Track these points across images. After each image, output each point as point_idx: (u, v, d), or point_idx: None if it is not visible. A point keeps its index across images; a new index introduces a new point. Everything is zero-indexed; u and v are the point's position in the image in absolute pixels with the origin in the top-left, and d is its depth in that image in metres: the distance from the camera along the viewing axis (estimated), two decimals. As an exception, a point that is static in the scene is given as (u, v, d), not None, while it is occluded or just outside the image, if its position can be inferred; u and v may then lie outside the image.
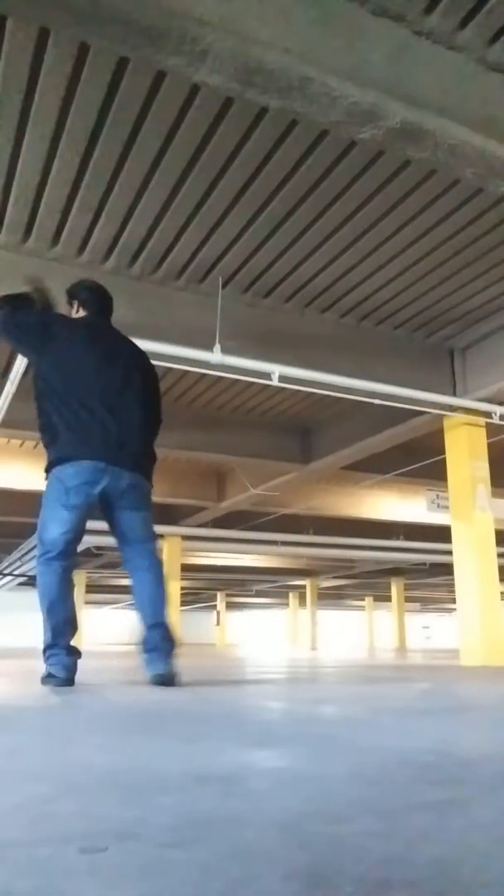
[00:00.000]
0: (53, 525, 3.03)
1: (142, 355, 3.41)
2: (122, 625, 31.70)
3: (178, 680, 2.96)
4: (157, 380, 3.46)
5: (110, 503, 3.15)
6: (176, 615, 13.13)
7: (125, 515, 3.19)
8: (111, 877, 0.62)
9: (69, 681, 2.98)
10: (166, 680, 2.93)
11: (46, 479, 3.12)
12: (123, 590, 24.37)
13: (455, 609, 7.35)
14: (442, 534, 8.12)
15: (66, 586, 3.09)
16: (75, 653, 3.07)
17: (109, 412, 3.10)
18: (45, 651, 3.03)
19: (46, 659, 3.02)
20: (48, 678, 2.98)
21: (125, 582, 21.86)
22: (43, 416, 3.12)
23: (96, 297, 3.44)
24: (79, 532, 3.12)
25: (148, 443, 3.29)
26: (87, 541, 12.60)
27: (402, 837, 0.74)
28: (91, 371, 3.13)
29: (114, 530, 3.25)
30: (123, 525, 3.20)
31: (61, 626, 3.03)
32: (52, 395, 3.08)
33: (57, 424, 3.06)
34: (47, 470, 3.11)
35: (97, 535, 12.80)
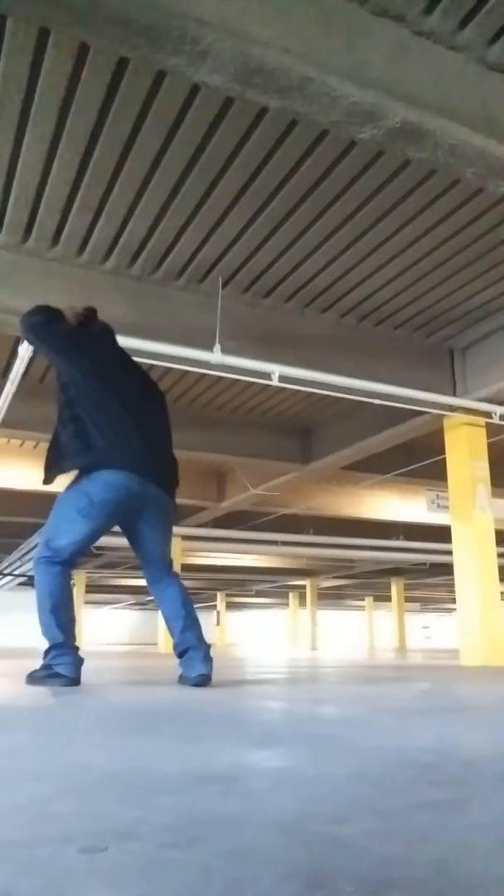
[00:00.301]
0: (66, 534, 3.04)
1: (146, 371, 3.59)
2: (122, 625, 31.75)
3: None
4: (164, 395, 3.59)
5: (136, 518, 3.18)
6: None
7: (152, 534, 3.24)
8: (111, 877, 0.62)
9: (77, 680, 2.98)
10: (207, 680, 3.00)
11: (73, 483, 3.12)
12: (123, 590, 24.40)
13: (455, 609, 7.34)
14: (442, 534, 8.12)
15: (69, 587, 3.12)
16: (78, 653, 3.08)
17: (139, 424, 3.15)
18: (50, 650, 3.03)
19: (52, 658, 3.02)
20: (54, 677, 2.98)
21: (125, 582, 21.97)
22: (75, 423, 3.10)
23: (95, 316, 3.51)
24: (89, 545, 3.14)
25: (174, 460, 3.37)
26: (87, 541, 12.46)
27: (402, 837, 0.74)
28: (118, 382, 3.21)
29: (136, 546, 3.28)
30: (149, 543, 3.25)
31: (68, 626, 3.04)
32: (85, 403, 3.10)
33: (91, 432, 3.07)
34: (74, 474, 3.15)
35: (97, 535, 12.61)
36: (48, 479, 3.16)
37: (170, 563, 3.31)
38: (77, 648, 3.07)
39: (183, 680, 3.06)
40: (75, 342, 3.21)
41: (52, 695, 2.66)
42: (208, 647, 3.11)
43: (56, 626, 3.02)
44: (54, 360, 3.32)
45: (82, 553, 3.13)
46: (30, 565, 17.34)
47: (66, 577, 3.08)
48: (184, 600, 3.18)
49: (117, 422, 3.09)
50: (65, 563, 3.04)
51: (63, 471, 3.16)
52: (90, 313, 3.42)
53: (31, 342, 3.37)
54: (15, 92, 3.40)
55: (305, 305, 5.58)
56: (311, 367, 5.41)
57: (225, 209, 4.34)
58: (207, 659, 3.06)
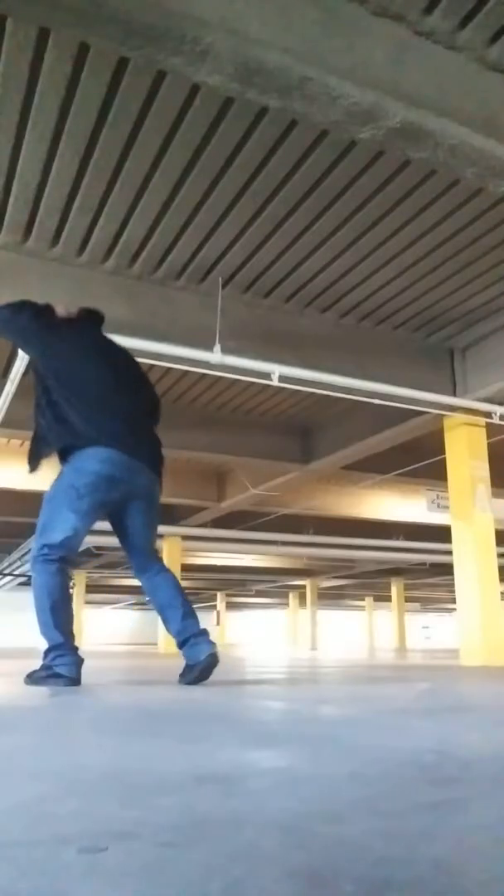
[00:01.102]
0: (59, 529, 3.00)
1: (125, 350, 3.51)
2: (122, 625, 31.74)
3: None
4: (142, 369, 3.52)
5: (124, 501, 3.15)
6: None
7: (140, 518, 3.21)
8: (111, 877, 0.62)
9: (78, 680, 2.98)
10: (216, 659, 3.01)
11: (57, 477, 3.11)
12: (123, 590, 24.38)
13: (455, 609, 7.34)
14: (442, 534, 8.12)
15: (67, 586, 3.10)
16: (79, 653, 3.07)
17: (120, 409, 3.15)
18: (49, 651, 3.02)
19: (52, 659, 3.01)
20: (55, 678, 2.97)
21: (125, 582, 21.95)
22: (53, 408, 3.11)
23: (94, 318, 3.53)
24: (84, 535, 3.12)
25: (158, 442, 3.33)
26: (88, 541, 12.55)
27: (402, 837, 0.74)
28: (101, 369, 3.20)
29: (123, 533, 3.25)
30: (136, 529, 3.22)
31: (67, 626, 3.03)
32: (62, 389, 3.10)
33: (69, 414, 3.07)
34: (63, 459, 3.13)
35: (97, 534, 12.72)
36: (33, 468, 3.23)
37: (156, 551, 3.30)
38: (76, 648, 3.06)
39: (188, 671, 3.03)
40: (52, 329, 3.21)
41: (52, 695, 2.66)
42: (207, 632, 3.12)
43: (55, 627, 3.00)
44: (26, 349, 3.38)
45: (78, 546, 3.10)
46: (29, 565, 17.23)
47: (63, 576, 3.05)
48: (177, 586, 3.17)
49: (97, 404, 3.10)
50: (62, 560, 3.01)
51: (45, 455, 3.19)
52: (85, 314, 3.41)
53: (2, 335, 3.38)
54: (15, 92, 3.40)
55: (305, 305, 5.58)
56: (311, 367, 5.41)
57: (225, 209, 4.34)
58: (211, 642, 3.06)
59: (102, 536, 11.20)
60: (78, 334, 3.28)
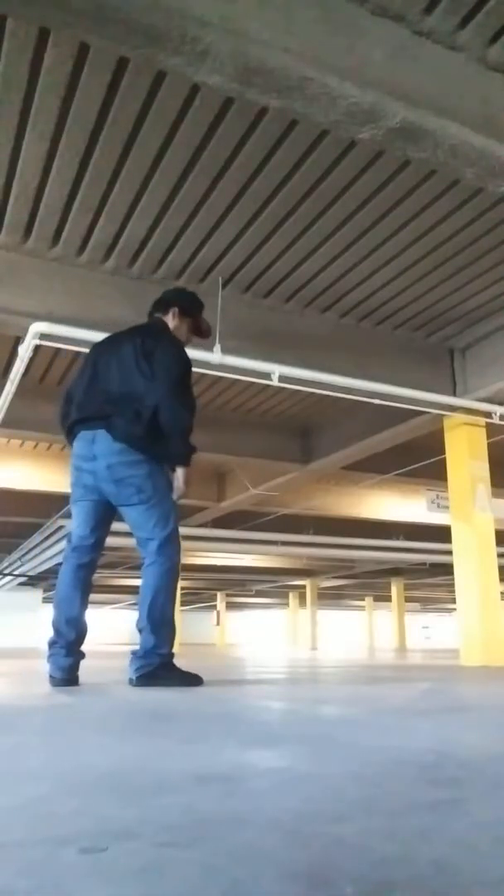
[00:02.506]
0: (73, 520, 3.18)
1: (145, 343, 3.22)
2: (123, 625, 31.73)
3: (144, 682, 2.94)
4: (154, 353, 3.17)
5: (105, 492, 3.15)
6: (177, 615, 13.08)
7: (123, 511, 3.15)
8: (111, 877, 0.62)
9: (64, 681, 2.97)
10: (135, 682, 2.97)
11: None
12: (123, 590, 24.37)
13: (455, 609, 7.34)
14: (442, 534, 8.12)
15: (74, 583, 3.07)
16: (77, 654, 3.06)
17: (92, 381, 3.22)
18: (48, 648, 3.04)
19: (47, 658, 3.03)
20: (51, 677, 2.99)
21: (125, 582, 21.96)
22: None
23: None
24: (84, 526, 3.11)
25: (130, 398, 3.08)
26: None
27: (402, 837, 0.74)
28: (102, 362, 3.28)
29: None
30: (126, 521, 3.18)
31: (62, 625, 3.02)
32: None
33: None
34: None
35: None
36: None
37: (148, 540, 3.06)
38: (73, 649, 3.04)
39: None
40: None
41: (52, 695, 2.66)
42: (145, 652, 3.00)
43: (53, 623, 3.03)
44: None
45: (84, 536, 3.12)
46: (30, 565, 17.32)
47: (68, 567, 3.08)
48: (147, 586, 3.03)
49: (81, 392, 3.21)
50: (73, 551, 3.10)
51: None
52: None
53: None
54: (15, 92, 3.40)
55: (305, 305, 5.58)
56: (311, 367, 5.41)
57: (225, 209, 4.34)
58: (139, 662, 3.00)
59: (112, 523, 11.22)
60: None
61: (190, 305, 3.56)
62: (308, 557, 16.23)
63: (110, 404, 3.09)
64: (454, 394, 6.16)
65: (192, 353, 4.91)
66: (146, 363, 3.12)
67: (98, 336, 4.69)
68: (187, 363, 3.19)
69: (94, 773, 1.11)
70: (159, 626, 3.00)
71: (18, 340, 5.07)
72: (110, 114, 3.54)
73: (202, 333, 3.65)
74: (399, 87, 2.82)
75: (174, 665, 3.04)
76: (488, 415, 6.20)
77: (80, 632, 3.05)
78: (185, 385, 3.13)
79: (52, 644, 3.02)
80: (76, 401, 3.22)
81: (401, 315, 5.76)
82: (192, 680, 3.02)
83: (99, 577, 20.42)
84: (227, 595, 27.21)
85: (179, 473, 3.15)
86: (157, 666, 2.98)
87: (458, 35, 2.93)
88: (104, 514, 3.17)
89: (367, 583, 22.91)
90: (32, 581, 20.38)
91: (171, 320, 3.48)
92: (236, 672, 4.60)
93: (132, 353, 3.16)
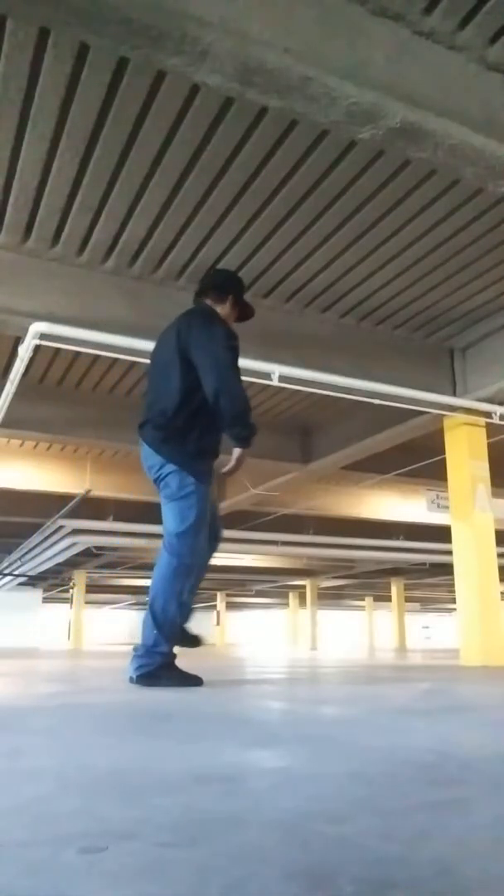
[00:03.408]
0: None
1: (180, 333, 3.19)
2: (123, 624, 31.74)
3: (144, 682, 2.95)
4: (188, 349, 3.12)
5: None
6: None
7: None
8: (111, 877, 0.62)
9: (135, 678, 2.98)
10: (134, 681, 2.96)
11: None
12: (123, 590, 24.39)
13: (455, 609, 7.34)
14: (442, 534, 8.12)
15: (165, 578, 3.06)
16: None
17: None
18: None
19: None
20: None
21: (125, 582, 21.95)
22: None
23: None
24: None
25: (163, 403, 3.13)
26: (87, 540, 12.51)
27: (402, 837, 0.74)
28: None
29: None
30: None
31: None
32: None
33: None
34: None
35: (96, 535, 12.69)
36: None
37: (167, 535, 3.10)
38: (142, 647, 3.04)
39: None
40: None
41: (52, 695, 2.66)
42: (150, 644, 2.99)
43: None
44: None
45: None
46: (30, 565, 17.23)
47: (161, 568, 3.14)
48: (156, 577, 3.06)
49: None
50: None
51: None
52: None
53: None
54: (15, 92, 3.40)
55: (305, 305, 5.58)
56: (311, 367, 5.41)
57: (225, 209, 4.34)
58: (137, 658, 3.00)
59: (102, 536, 11.22)
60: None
61: (240, 291, 3.54)
62: (308, 557, 16.23)
63: (147, 409, 3.23)
64: (454, 394, 6.16)
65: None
66: (179, 359, 3.12)
67: (98, 336, 4.70)
68: (233, 347, 3.18)
69: (95, 773, 1.11)
70: (160, 623, 2.99)
71: (18, 340, 5.07)
72: (110, 114, 3.54)
73: (248, 317, 3.63)
74: (399, 87, 2.82)
75: (174, 665, 3.04)
76: (488, 415, 6.20)
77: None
78: (235, 368, 3.13)
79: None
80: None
81: (401, 315, 5.76)
82: (192, 681, 3.02)
83: (99, 577, 20.46)
84: (227, 595, 27.21)
85: (237, 453, 3.20)
86: (158, 666, 2.97)
87: (458, 35, 2.93)
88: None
89: (367, 583, 22.91)
90: (32, 581, 20.38)
91: (226, 307, 3.42)
92: (236, 672, 4.60)
93: (168, 352, 3.21)
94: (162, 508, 3.18)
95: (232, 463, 3.20)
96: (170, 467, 3.11)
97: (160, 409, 3.14)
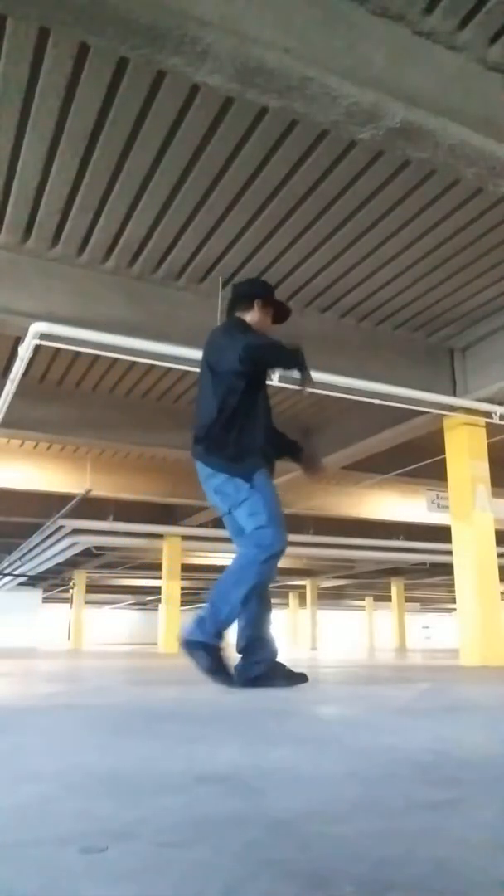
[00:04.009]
0: None
1: (207, 348, 3.38)
2: (123, 625, 31.75)
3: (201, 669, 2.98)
4: (219, 359, 3.26)
5: None
6: (176, 615, 13.11)
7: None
8: (111, 877, 0.62)
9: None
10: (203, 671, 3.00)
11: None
12: (123, 590, 24.39)
13: (455, 609, 7.34)
14: (442, 534, 8.12)
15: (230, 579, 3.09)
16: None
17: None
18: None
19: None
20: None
21: (125, 582, 21.95)
22: None
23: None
24: (233, 537, 3.25)
25: (206, 419, 3.25)
26: (87, 540, 12.48)
27: (402, 837, 0.74)
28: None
29: None
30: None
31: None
32: None
33: None
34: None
35: (96, 535, 12.66)
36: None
37: (249, 536, 3.11)
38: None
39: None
40: None
41: (51, 695, 2.66)
42: (208, 644, 3.03)
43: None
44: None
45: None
46: (30, 565, 17.19)
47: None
48: (222, 578, 3.11)
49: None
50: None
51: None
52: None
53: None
54: (15, 92, 3.40)
55: (305, 305, 5.58)
56: (311, 367, 5.39)
57: (225, 209, 4.34)
58: (198, 651, 3.02)
59: (102, 536, 11.20)
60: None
61: (266, 292, 3.54)
62: (308, 557, 16.23)
63: (194, 428, 3.32)
64: (454, 394, 6.16)
65: (192, 353, 4.93)
66: (210, 373, 3.28)
67: (98, 336, 4.70)
68: (255, 343, 3.22)
69: (94, 773, 1.11)
70: (213, 611, 3.02)
71: (18, 340, 5.07)
72: (110, 114, 3.54)
73: (285, 316, 3.64)
74: (399, 87, 2.82)
75: (220, 656, 3.08)
76: (488, 415, 6.20)
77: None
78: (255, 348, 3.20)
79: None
80: None
81: (401, 315, 5.76)
82: (219, 674, 3.05)
83: (99, 577, 20.46)
84: (227, 595, 27.15)
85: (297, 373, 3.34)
86: (267, 668, 3.11)
87: (458, 35, 2.93)
88: (231, 524, 3.29)
89: (367, 583, 22.91)
90: (32, 581, 20.38)
91: (255, 313, 3.43)
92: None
93: (203, 368, 3.37)
94: (231, 520, 3.23)
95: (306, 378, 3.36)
96: (221, 477, 3.19)
97: (201, 424, 3.26)
